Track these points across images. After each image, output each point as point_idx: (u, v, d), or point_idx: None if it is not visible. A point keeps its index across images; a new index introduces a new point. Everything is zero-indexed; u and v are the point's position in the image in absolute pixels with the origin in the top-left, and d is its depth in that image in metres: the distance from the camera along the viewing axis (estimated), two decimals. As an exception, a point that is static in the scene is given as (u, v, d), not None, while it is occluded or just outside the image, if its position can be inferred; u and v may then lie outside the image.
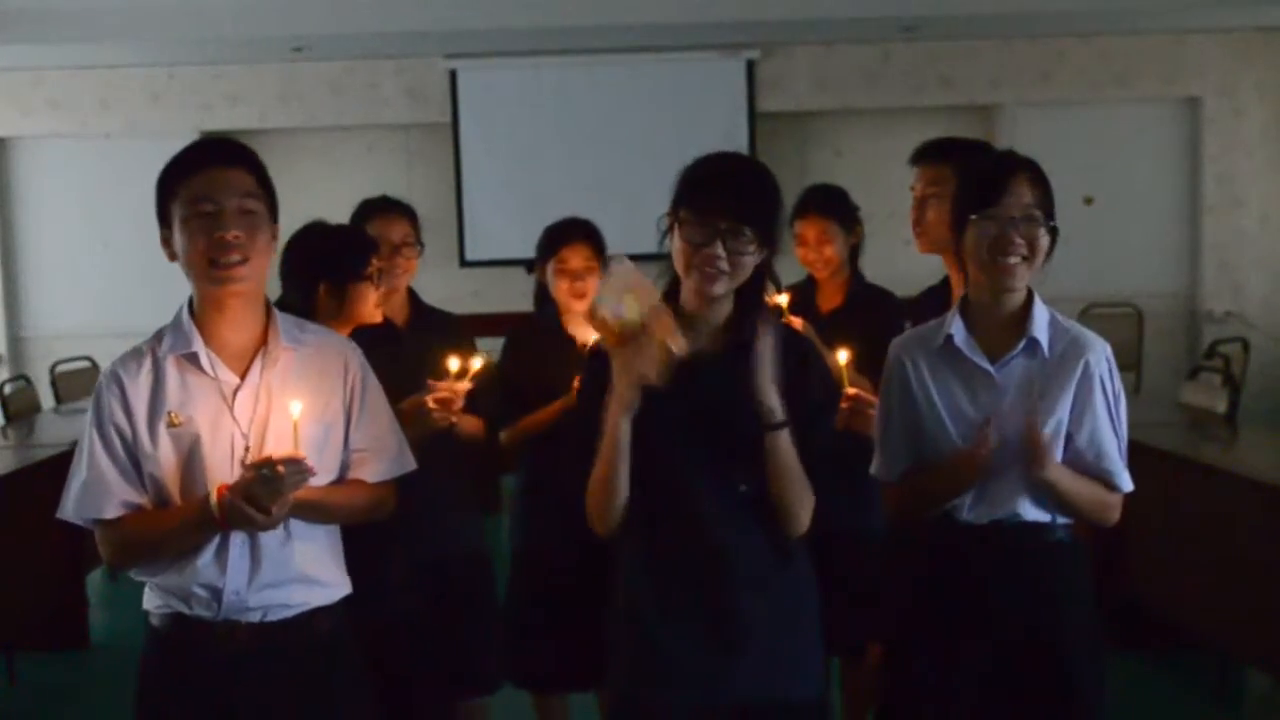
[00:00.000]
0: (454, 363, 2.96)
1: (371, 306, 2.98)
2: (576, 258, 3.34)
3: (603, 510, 2.18)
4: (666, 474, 2.16)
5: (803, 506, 2.19)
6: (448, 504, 3.21)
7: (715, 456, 2.16)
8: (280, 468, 2.00)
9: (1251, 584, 3.94)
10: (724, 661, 2.19)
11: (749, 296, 2.21)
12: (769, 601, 2.21)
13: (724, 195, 2.14)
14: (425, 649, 3.07)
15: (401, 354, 3.05)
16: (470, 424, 3.22)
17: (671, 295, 2.21)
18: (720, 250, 2.12)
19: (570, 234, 3.38)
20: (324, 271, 2.97)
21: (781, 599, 2.23)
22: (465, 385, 3.02)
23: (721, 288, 2.15)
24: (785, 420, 2.13)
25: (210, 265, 2.10)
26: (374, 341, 3.00)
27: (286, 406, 2.09)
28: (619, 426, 2.11)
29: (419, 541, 3.04)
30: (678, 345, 2.07)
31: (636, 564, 2.24)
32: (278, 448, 2.07)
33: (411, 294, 3.37)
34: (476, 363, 3.11)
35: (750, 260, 2.15)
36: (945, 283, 3.09)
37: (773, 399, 2.12)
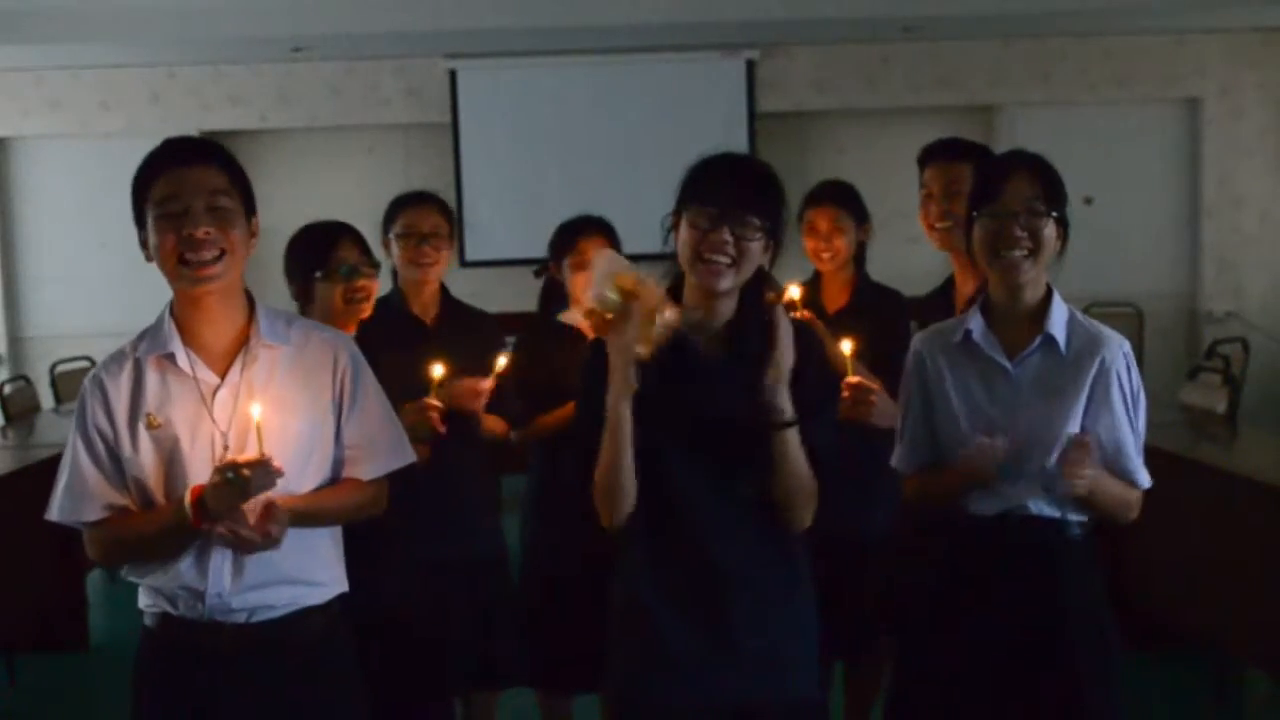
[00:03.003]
0: (438, 369, 2.95)
1: (336, 305, 2.91)
2: (595, 250, 3.35)
3: (610, 500, 2.17)
4: (667, 474, 2.16)
5: (806, 505, 2.20)
6: (468, 503, 3.23)
7: (716, 457, 2.17)
8: (245, 471, 1.99)
9: (1251, 584, 3.94)
10: (722, 661, 2.19)
11: (750, 297, 2.22)
12: (767, 602, 2.21)
13: (730, 184, 2.16)
14: (441, 646, 3.09)
15: (427, 349, 3.05)
16: (493, 424, 3.24)
17: (675, 295, 2.21)
18: (727, 235, 2.12)
19: (587, 228, 3.40)
20: (288, 273, 2.98)
21: (780, 599, 2.23)
22: (489, 383, 3.04)
23: (726, 282, 2.15)
24: (794, 419, 2.13)
25: (180, 263, 2.09)
26: (398, 335, 3.02)
27: (268, 405, 2.07)
28: (618, 410, 2.11)
29: (438, 539, 3.06)
30: (665, 313, 2.07)
31: (637, 563, 2.24)
32: (253, 449, 2.05)
33: (443, 289, 3.37)
34: (501, 360, 3.14)
35: (756, 249, 2.15)
36: (949, 282, 3.10)
37: (783, 398, 2.12)
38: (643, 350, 2.07)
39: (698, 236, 2.14)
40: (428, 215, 3.28)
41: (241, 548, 2.07)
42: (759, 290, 2.23)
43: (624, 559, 2.28)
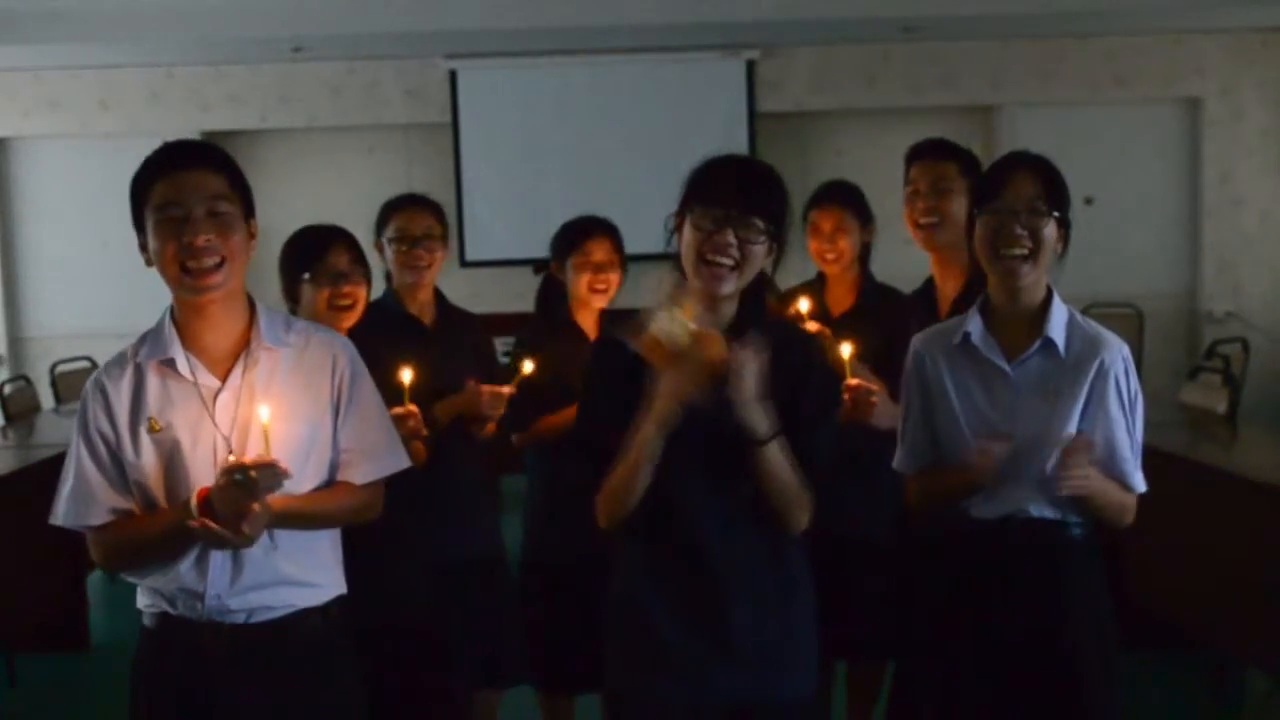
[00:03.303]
0: (406, 374, 2.90)
1: (320, 309, 2.90)
2: (600, 251, 3.36)
3: (615, 510, 2.18)
4: (666, 475, 2.16)
5: (797, 512, 2.19)
6: (468, 503, 3.23)
7: (715, 458, 2.16)
8: (253, 473, 1.99)
9: (1251, 584, 3.93)
10: (719, 661, 2.19)
11: (752, 302, 2.22)
12: (765, 602, 2.22)
13: (734, 186, 2.16)
14: (442, 646, 3.09)
15: (428, 351, 3.04)
16: (491, 426, 3.25)
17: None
18: (731, 237, 2.12)
19: (592, 229, 3.40)
20: (280, 273, 2.98)
21: (778, 600, 2.24)
22: (511, 390, 3.05)
23: (729, 285, 2.16)
24: (770, 434, 2.11)
25: (183, 272, 2.09)
26: (398, 337, 3.01)
27: (270, 407, 2.07)
28: (652, 440, 2.10)
29: (439, 541, 3.07)
30: (723, 364, 2.05)
31: (635, 562, 2.25)
32: (255, 451, 2.05)
33: (438, 293, 3.37)
34: (528, 365, 3.14)
35: (759, 251, 2.16)
36: (929, 282, 3.12)
37: (754, 415, 2.09)
38: (695, 397, 2.06)
39: (701, 239, 2.14)
40: (420, 219, 3.27)
41: (221, 545, 2.06)
42: (760, 294, 2.23)
43: (622, 559, 2.28)
